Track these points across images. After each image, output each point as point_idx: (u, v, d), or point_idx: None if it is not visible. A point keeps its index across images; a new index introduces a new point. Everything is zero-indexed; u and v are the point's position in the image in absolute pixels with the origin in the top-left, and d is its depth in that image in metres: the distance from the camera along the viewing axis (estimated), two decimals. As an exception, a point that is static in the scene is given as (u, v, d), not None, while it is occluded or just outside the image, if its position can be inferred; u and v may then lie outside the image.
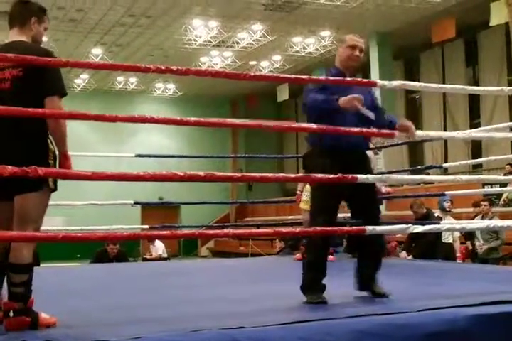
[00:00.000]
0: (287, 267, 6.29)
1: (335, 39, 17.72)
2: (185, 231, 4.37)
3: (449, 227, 4.33)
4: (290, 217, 13.25)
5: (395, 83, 4.00)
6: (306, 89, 3.73)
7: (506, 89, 4.72)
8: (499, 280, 4.51)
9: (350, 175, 3.35)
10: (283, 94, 20.81)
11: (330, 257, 6.46)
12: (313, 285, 3.51)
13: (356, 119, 3.60)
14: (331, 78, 3.74)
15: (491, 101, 16.22)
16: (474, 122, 16.73)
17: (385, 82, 3.98)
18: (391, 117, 3.87)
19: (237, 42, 18.32)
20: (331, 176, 3.28)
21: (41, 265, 7.25)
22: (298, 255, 6.77)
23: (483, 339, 2.92)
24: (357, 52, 3.83)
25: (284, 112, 25.34)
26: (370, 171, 3.74)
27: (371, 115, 3.53)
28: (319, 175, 3.32)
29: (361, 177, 3.40)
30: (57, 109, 2.86)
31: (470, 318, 2.93)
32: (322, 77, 3.97)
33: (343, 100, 3.46)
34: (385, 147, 7.28)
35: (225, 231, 3.74)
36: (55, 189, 2.93)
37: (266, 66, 20.47)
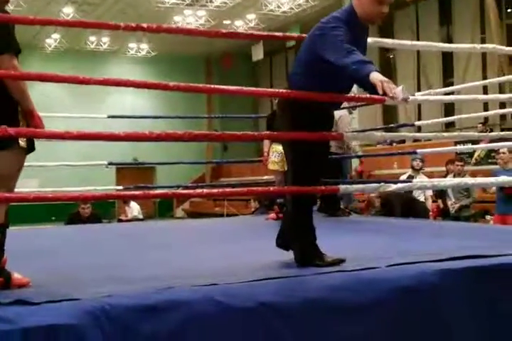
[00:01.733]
0: (260, 226, 6.35)
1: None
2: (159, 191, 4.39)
3: (420, 185, 4.37)
4: (265, 177, 13.29)
5: (368, 40, 3.98)
6: (326, 23, 3.16)
7: (478, 46, 4.72)
8: (467, 236, 4.59)
9: (336, 133, 3.32)
10: (258, 53, 20.64)
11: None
12: (317, 249, 3.23)
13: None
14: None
15: (464, 60, 16.27)
16: (448, 81, 16.81)
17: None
18: None
19: (211, 1, 18.04)
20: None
21: (16, 227, 7.22)
22: (272, 214, 6.83)
23: (450, 293, 2.99)
24: (385, 9, 3.20)
25: (259, 71, 25.17)
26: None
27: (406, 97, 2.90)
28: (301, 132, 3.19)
29: (346, 134, 3.41)
30: (8, 67, 2.72)
31: (437, 273, 3.00)
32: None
33: (377, 79, 2.85)
34: (360, 106, 7.28)
35: (198, 190, 3.73)
36: (31, 149, 2.87)
37: (240, 25, 20.23)
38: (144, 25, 3.17)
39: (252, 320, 2.60)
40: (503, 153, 7.37)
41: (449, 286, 2.99)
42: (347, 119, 6.98)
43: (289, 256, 3.35)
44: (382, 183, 3.55)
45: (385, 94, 2.85)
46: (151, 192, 3.66)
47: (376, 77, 2.88)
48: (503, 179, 5.07)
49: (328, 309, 2.75)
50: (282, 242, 3.49)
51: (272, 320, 2.64)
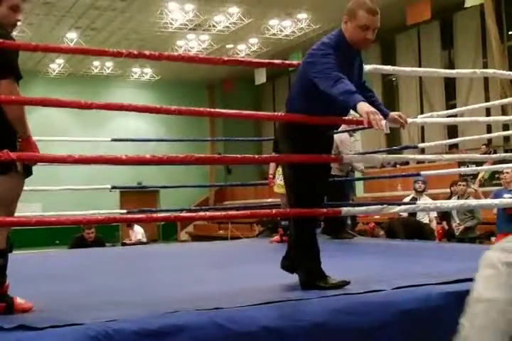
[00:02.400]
0: (264, 249, 6.33)
1: (311, 22, 17.70)
2: (162, 215, 4.39)
3: (424, 207, 4.37)
4: (269, 200, 13.29)
5: (368, 67, 4.01)
6: (317, 50, 3.18)
7: (478, 71, 4.77)
8: (472, 258, 4.56)
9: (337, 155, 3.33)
10: (260, 77, 20.75)
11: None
12: (321, 271, 3.22)
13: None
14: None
15: (466, 83, 16.34)
16: (450, 103, 16.87)
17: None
18: (382, 107, 3.44)
19: (214, 26, 18.21)
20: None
21: (20, 252, 7.22)
22: (276, 237, 6.81)
23: (456, 316, 2.97)
24: (370, 35, 3.23)
25: (262, 95, 25.30)
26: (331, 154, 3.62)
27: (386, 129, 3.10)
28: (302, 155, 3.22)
29: (346, 156, 3.42)
30: (8, 92, 2.74)
31: (444, 295, 2.99)
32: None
33: (363, 110, 2.96)
34: (361, 129, 7.31)
35: (201, 213, 3.73)
36: (28, 174, 2.90)
37: (243, 49, 20.39)
38: (147, 52, 3.20)
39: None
40: (507, 172, 7.39)
41: (455, 309, 2.96)
42: (348, 142, 7.01)
43: (293, 279, 3.33)
44: (385, 205, 3.55)
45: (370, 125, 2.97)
46: (154, 215, 3.67)
47: (362, 107, 2.97)
48: (506, 200, 5.06)
49: (333, 333, 2.73)
50: (287, 264, 3.49)
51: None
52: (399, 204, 3.96)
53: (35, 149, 2.86)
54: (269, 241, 6.77)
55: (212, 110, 3.50)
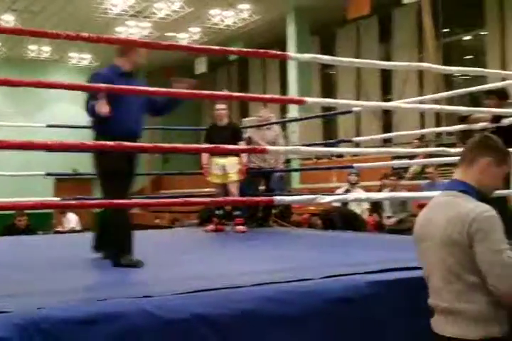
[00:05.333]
0: (198, 238, 6.36)
1: (253, 12, 17.72)
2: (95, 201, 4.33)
3: (355, 198, 4.48)
4: (206, 190, 13.27)
5: (307, 56, 4.08)
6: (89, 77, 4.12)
7: (414, 64, 4.94)
8: (402, 248, 4.71)
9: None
10: (201, 66, 20.66)
11: (242, 228, 6.61)
12: (127, 252, 3.85)
13: (137, 107, 4.11)
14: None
15: (401, 78, 16.68)
16: (387, 98, 17.20)
17: (298, 55, 4.06)
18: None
19: (155, 13, 17.99)
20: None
21: None
22: (210, 226, 6.85)
23: (381, 304, 3.07)
24: (140, 59, 4.39)
25: (202, 85, 25.16)
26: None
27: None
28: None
29: (270, 148, 3.47)
30: None
31: (370, 284, 3.08)
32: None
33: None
34: (293, 121, 7.47)
35: (133, 201, 3.73)
36: None
37: (184, 38, 20.23)
38: (85, 35, 3.17)
39: (186, 333, 2.60)
40: (434, 168, 7.65)
41: (381, 297, 3.07)
42: (280, 134, 7.64)
43: (223, 267, 3.37)
44: (317, 195, 3.62)
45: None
46: (87, 202, 3.64)
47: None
48: (431, 193, 5.22)
49: (262, 320, 2.78)
50: (97, 245, 4.28)
51: (206, 332, 2.64)
52: (330, 195, 4.04)
53: None
54: (204, 230, 6.81)
55: (142, 88, 3.60)
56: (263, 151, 3.58)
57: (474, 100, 10.70)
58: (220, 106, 6.91)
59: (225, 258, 4.23)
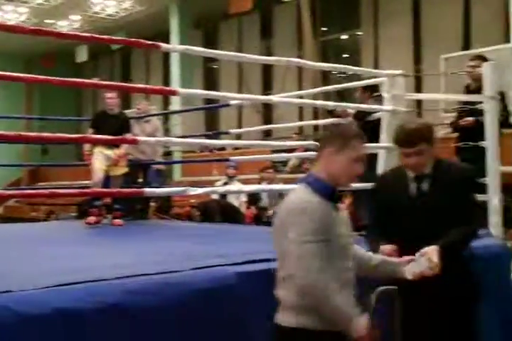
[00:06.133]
0: (73, 231, 6.24)
1: (135, 2, 17.48)
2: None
3: (228, 189, 4.57)
4: (86, 182, 12.99)
5: (180, 47, 4.09)
6: None
7: (284, 59, 5.12)
8: (266, 240, 4.84)
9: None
10: (82, 54, 20.14)
11: (118, 221, 6.55)
12: None
13: None
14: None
15: (282, 75, 17.07)
16: (267, 93, 17.53)
17: (169, 46, 4.05)
18: None
19: (33, -2, 17.37)
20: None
21: None
22: (90, 218, 6.71)
23: (246, 294, 3.16)
24: None
25: (84, 73, 24.53)
26: None
27: None
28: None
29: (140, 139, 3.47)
30: None
31: (235, 275, 3.16)
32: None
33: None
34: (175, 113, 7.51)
35: (13, 191, 3.63)
36: None
37: (64, 25, 19.64)
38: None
39: (50, 328, 2.56)
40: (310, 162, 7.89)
41: (246, 287, 3.16)
42: (159, 127, 7.69)
43: (94, 260, 3.34)
44: (187, 187, 3.67)
45: None
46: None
47: None
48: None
49: (129, 313, 2.78)
50: None
51: (71, 327, 2.61)
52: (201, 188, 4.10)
53: None
54: (85, 222, 6.66)
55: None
56: (133, 142, 3.56)
57: (349, 96, 11.13)
58: (109, 95, 6.72)
59: (94, 252, 4.16)
